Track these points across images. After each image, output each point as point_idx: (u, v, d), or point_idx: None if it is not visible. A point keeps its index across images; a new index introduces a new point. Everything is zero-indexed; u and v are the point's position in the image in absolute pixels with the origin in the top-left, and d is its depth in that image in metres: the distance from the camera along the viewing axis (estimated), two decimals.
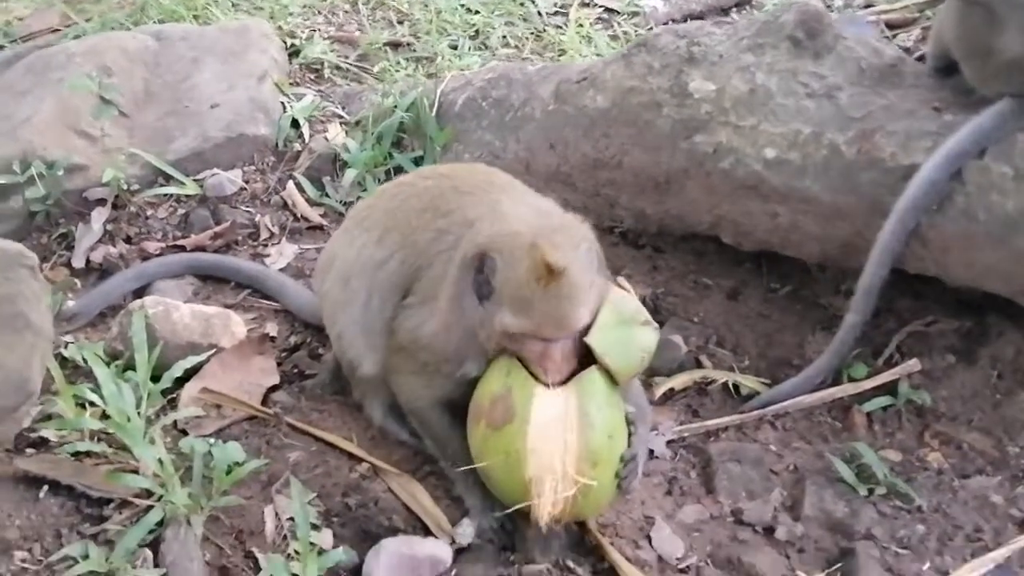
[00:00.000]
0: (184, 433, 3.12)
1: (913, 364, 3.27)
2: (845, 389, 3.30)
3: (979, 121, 3.03)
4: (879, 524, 2.92)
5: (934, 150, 3.05)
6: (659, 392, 3.35)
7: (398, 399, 3.04)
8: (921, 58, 3.45)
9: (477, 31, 5.27)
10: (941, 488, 3.05)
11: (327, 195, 4.26)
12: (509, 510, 2.72)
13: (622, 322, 2.66)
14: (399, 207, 3.08)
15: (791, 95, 3.29)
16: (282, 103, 4.58)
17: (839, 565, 2.80)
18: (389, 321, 2.99)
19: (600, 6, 5.58)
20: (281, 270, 3.94)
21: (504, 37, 5.23)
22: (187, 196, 4.20)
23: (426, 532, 2.86)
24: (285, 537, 2.81)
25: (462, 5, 5.41)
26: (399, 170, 4.11)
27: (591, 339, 2.62)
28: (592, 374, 2.64)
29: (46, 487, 2.85)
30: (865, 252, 3.18)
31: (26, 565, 2.64)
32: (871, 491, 3.02)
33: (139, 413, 2.98)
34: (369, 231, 3.10)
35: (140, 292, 3.79)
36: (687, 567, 2.81)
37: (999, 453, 3.15)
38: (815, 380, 3.29)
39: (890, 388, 3.30)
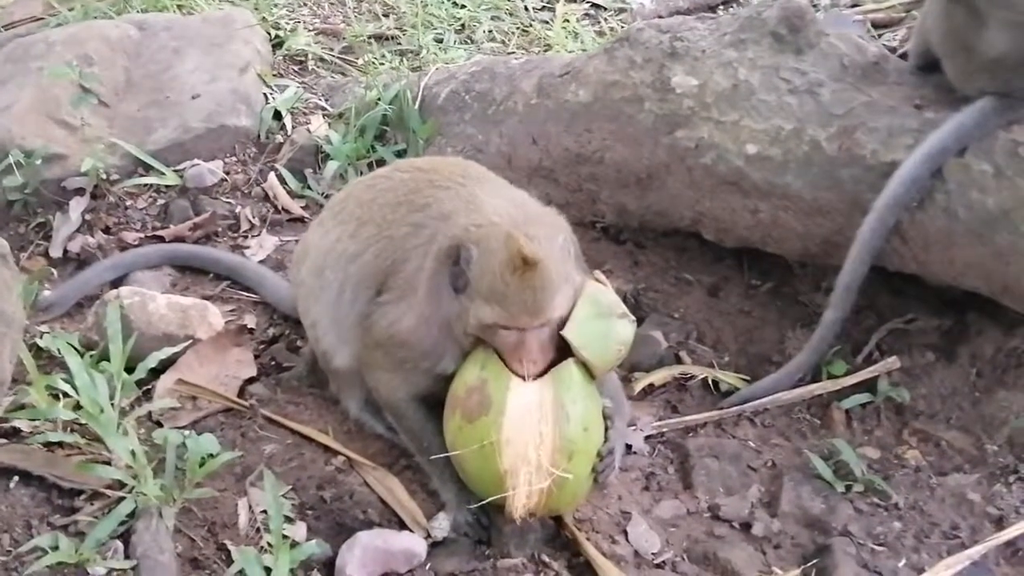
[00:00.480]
0: (159, 425, 3.10)
1: (892, 362, 3.27)
2: (824, 386, 3.30)
3: (960, 119, 3.03)
4: (856, 521, 2.92)
5: (915, 147, 3.05)
6: (638, 387, 3.34)
7: (374, 394, 3.02)
8: (903, 56, 3.44)
9: (463, 25, 5.24)
10: (919, 485, 3.05)
11: (309, 187, 4.23)
12: (483, 502, 2.72)
13: (599, 315, 2.66)
14: (374, 200, 3.06)
15: (773, 91, 3.28)
16: (265, 94, 4.55)
17: (815, 561, 2.79)
18: (362, 315, 2.97)
19: (587, 2, 5.55)
20: (261, 262, 3.91)
21: (490, 31, 5.20)
22: (167, 187, 4.17)
23: (401, 526, 2.85)
24: (259, 530, 2.79)
25: None
26: (381, 163, 4.09)
27: (568, 331, 2.62)
28: (568, 367, 2.63)
29: (16, 478, 2.82)
30: (846, 249, 3.17)
31: None
32: (848, 488, 3.02)
33: (113, 404, 2.95)
34: (344, 224, 3.08)
35: (118, 283, 3.75)
36: (663, 562, 2.80)
37: (977, 451, 3.15)
38: (794, 376, 3.28)
39: (869, 385, 3.30)
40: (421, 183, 3.00)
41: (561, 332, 2.62)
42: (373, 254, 2.97)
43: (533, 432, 2.57)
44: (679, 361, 3.48)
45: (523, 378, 2.62)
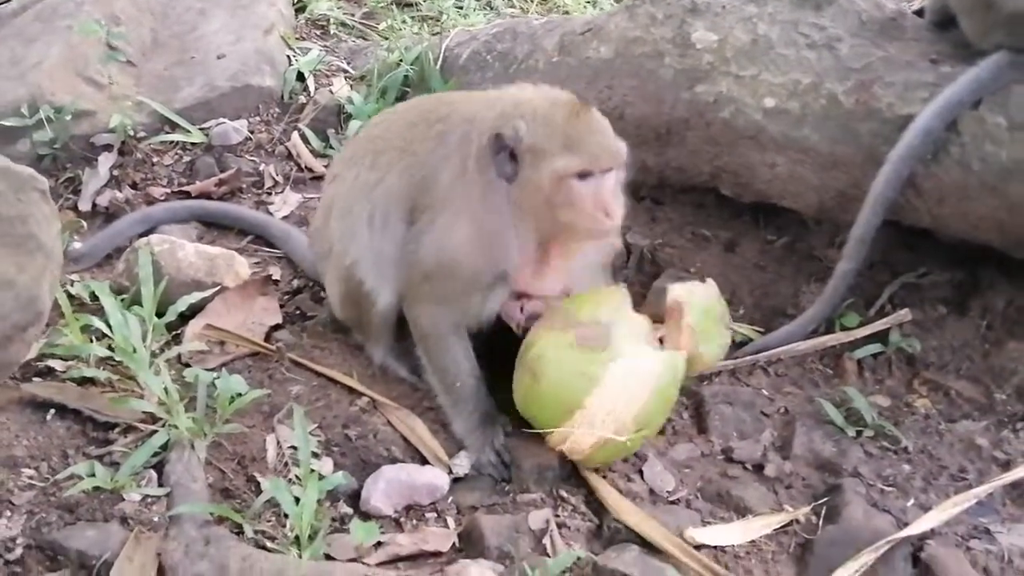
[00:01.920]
0: (187, 366, 3.17)
1: (904, 314, 3.33)
2: (837, 337, 3.36)
3: (975, 72, 3.08)
4: (866, 463, 2.99)
5: (931, 101, 3.09)
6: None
7: (415, 330, 3.03)
8: (919, 12, 3.49)
9: None
10: (928, 431, 3.12)
11: (331, 147, 4.32)
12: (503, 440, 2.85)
13: (718, 320, 2.89)
14: (387, 131, 3.13)
15: (792, 46, 3.34)
16: (288, 56, 4.63)
17: (825, 500, 2.87)
18: (401, 245, 2.98)
19: None
20: (284, 218, 4.00)
21: None
22: (192, 144, 4.26)
23: (423, 463, 2.92)
24: (286, 464, 2.87)
25: None
26: None
27: (695, 325, 2.82)
28: (679, 358, 2.80)
29: (52, 411, 2.90)
30: (861, 203, 3.22)
31: (33, 481, 2.69)
32: (859, 433, 3.09)
33: (145, 345, 3.04)
34: (359, 163, 3.12)
35: (146, 236, 3.83)
36: (677, 500, 2.87)
37: (986, 399, 3.22)
38: (808, 328, 3.34)
39: (881, 336, 3.36)
40: (430, 103, 3.08)
41: (688, 322, 2.81)
42: (397, 174, 3.00)
43: (632, 391, 2.71)
44: None
45: (604, 234, 2.81)
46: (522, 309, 3.01)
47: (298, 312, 3.56)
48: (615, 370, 2.72)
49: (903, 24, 3.33)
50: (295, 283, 3.70)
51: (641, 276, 3.74)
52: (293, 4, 5.01)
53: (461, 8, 5.16)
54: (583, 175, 2.72)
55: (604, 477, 2.89)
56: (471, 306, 2.92)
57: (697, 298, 2.89)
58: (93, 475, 2.70)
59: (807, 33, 3.33)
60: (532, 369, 2.79)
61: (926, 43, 3.28)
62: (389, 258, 3.04)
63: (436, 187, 2.93)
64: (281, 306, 3.54)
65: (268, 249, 3.89)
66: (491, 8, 5.25)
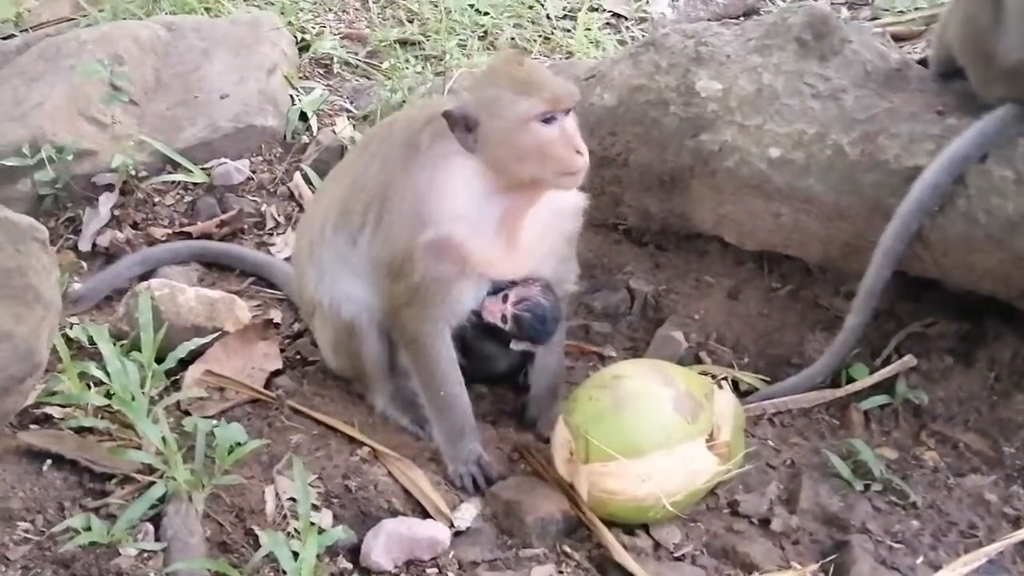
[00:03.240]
0: (187, 414, 3.14)
1: (908, 360, 3.30)
2: (844, 389, 3.33)
3: (981, 126, 3.08)
4: (874, 519, 2.95)
5: (937, 153, 3.09)
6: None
7: (400, 339, 3.03)
8: (923, 62, 3.49)
9: (486, 32, 5.31)
10: (936, 485, 3.08)
11: None
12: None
13: (740, 431, 3.03)
14: (343, 165, 3.29)
15: (797, 96, 3.33)
16: (291, 96, 4.62)
17: (833, 557, 2.82)
18: (366, 261, 3.02)
19: (608, 11, 5.63)
20: (286, 259, 3.97)
21: (512, 39, 5.27)
22: (194, 184, 4.24)
23: (424, 515, 2.88)
24: (285, 516, 2.83)
25: (471, 6, 5.45)
26: None
27: (730, 441, 2.94)
28: (721, 470, 2.90)
29: (49, 461, 2.87)
30: (867, 253, 3.21)
31: (28, 535, 2.66)
32: (867, 487, 3.05)
33: (143, 392, 3.01)
34: (319, 197, 3.32)
35: (146, 277, 3.80)
36: (683, 555, 2.83)
37: (994, 453, 3.18)
38: (815, 380, 3.32)
39: (887, 387, 3.33)
40: (378, 127, 3.24)
41: (725, 440, 2.93)
42: (348, 191, 3.08)
43: (687, 475, 2.81)
44: (699, 361, 3.52)
45: (577, 175, 2.85)
46: (505, 298, 3.02)
47: (299, 356, 3.53)
48: (689, 448, 2.81)
49: (908, 75, 3.33)
50: (296, 326, 3.67)
51: (644, 322, 3.72)
52: (297, 43, 5.01)
53: (464, 47, 5.17)
54: (547, 118, 2.78)
55: (609, 530, 2.85)
56: (448, 296, 2.91)
57: (730, 410, 2.97)
58: (89, 528, 2.66)
59: (812, 83, 3.33)
60: (618, 398, 2.84)
61: (931, 94, 3.28)
62: (362, 285, 3.06)
63: (382, 186, 2.97)
64: (282, 350, 3.51)
65: (269, 291, 3.87)
66: (494, 48, 5.25)
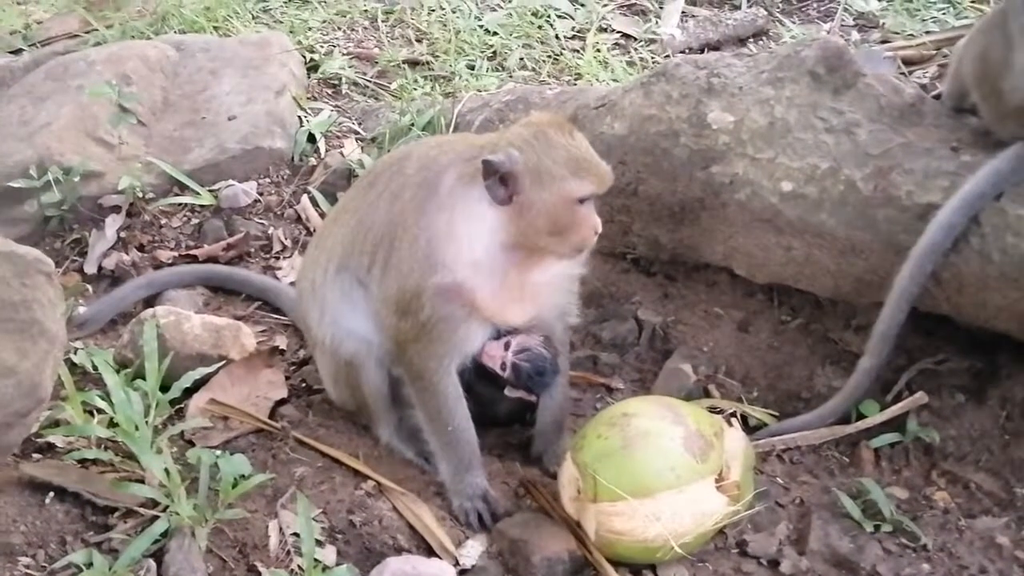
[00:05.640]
0: (191, 444, 3.12)
1: (920, 397, 3.26)
2: (855, 425, 3.29)
3: (996, 165, 3.04)
4: (884, 561, 2.91)
5: (951, 190, 3.06)
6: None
7: (407, 375, 3.01)
8: (938, 97, 3.46)
9: (495, 52, 5.29)
10: (947, 527, 3.04)
11: None
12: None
13: (749, 469, 3.00)
14: (347, 202, 3.23)
15: (810, 129, 3.30)
16: (299, 117, 4.61)
17: None
18: (369, 298, 3.00)
19: (617, 32, 5.61)
20: (292, 283, 3.95)
21: (521, 59, 5.25)
22: (201, 206, 4.22)
23: (429, 552, 2.85)
24: (289, 552, 2.80)
25: (480, 26, 5.44)
26: None
27: (740, 480, 2.90)
28: (730, 512, 2.86)
29: (52, 493, 2.84)
30: (878, 288, 3.18)
31: (30, 571, 2.63)
32: (877, 528, 3.01)
33: (147, 422, 2.98)
34: (322, 238, 3.23)
35: (151, 301, 3.80)
36: None
37: (1006, 494, 3.14)
38: (826, 420, 3.29)
39: (898, 425, 3.29)
40: (389, 160, 3.16)
41: (735, 481, 2.88)
42: (352, 229, 3.06)
43: (696, 516, 2.77)
44: (708, 395, 3.49)
45: (585, 250, 2.95)
46: (507, 346, 3.01)
47: (304, 384, 3.51)
48: (698, 488, 2.76)
49: (923, 110, 3.30)
50: (301, 353, 3.65)
51: (652, 353, 3.69)
52: (305, 63, 5.00)
53: (473, 69, 5.15)
54: (584, 198, 2.81)
55: (616, 571, 2.82)
56: (455, 336, 2.90)
57: (739, 449, 2.94)
58: (91, 564, 2.64)
59: (825, 117, 3.30)
60: (628, 436, 2.81)
61: (946, 130, 3.24)
62: (364, 323, 3.04)
63: (392, 224, 2.94)
64: (287, 378, 3.49)
65: (275, 316, 3.85)
66: (503, 68, 5.23)
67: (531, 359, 3.02)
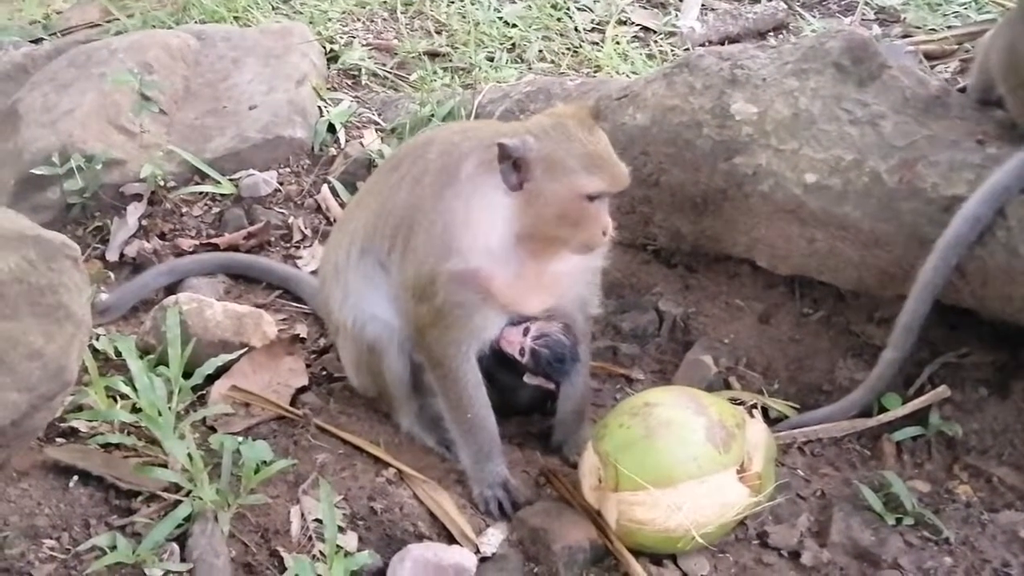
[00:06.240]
0: (213, 430, 3.13)
1: (942, 391, 3.25)
2: (877, 418, 3.28)
3: (1022, 157, 3.02)
4: (906, 554, 2.90)
5: (977, 182, 3.04)
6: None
7: (427, 362, 3.01)
8: (963, 90, 3.44)
9: (514, 44, 5.29)
10: (970, 521, 3.03)
11: None
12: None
13: (771, 461, 2.99)
14: (372, 185, 3.24)
15: (834, 121, 3.29)
16: (320, 107, 4.61)
17: None
18: (390, 282, 3.02)
19: (637, 24, 5.60)
20: (313, 272, 3.96)
21: (541, 52, 5.25)
22: (222, 195, 4.24)
23: (450, 540, 2.86)
24: (311, 538, 2.81)
25: (500, 18, 5.44)
26: None
27: (762, 471, 2.90)
28: (752, 502, 2.85)
29: (76, 477, 2.86)
30: (902, 281, 3.17)
31: (54, 553, 2.64)
32: (899, 520, 3.00)
33: (170, 408, 2.99)
34: (344, 222, 3.24)
35: (172, 288, 3.81)
36: None
37: None
38: (848, 413, 3.28)
39: (920, 418, 3.28)
40: (412, 144, 3.16)
41: (757, 472, 2.88)
42: (375, 212, 3.06)
43: (717, 507, 2.77)
44: (728, 387, 3.48)
45: (596, 249, 2.93)
46: (526, 331, 3.01)
47: (324, 372, 3.52)
48: (720, 479, 2.77)
49: (948, 102, 3.28)
50: (321, 342, 3.66)
51: (673, 344, 3.68)
52: (325, 54, 5.00)
53: (492, 61, 5.14)
54: (594, 196, 2.77)
55: (636, 560, 2.82)
56: (471, 322, 2.90)
57: (761, 440, 2.93)
58: (115, 547, 2.64)
59: (850, 109, 3.29)
60: (650, 426, 2.80)
61: (972, 122, 3.23)
62: (386, 306, 3.05)
63: (418, 221, 2.93)
64: (307, 366, 3.50)
65: (295, 305, 3.86)
66: (522, 60, 5.23)
67: (550, 345, 3.01)
